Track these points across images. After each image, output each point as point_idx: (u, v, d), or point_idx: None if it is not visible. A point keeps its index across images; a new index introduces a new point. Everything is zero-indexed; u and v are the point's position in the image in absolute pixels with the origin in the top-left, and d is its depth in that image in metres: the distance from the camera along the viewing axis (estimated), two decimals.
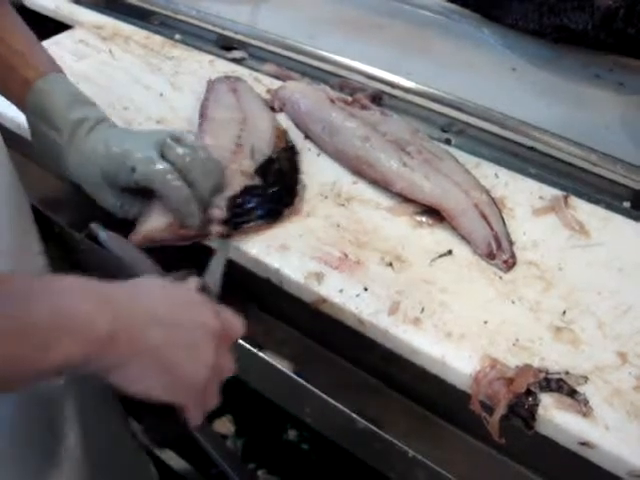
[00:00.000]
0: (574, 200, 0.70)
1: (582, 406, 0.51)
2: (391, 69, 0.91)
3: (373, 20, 1.11)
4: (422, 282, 0.61)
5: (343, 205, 0.69)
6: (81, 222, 0.70)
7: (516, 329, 0.57)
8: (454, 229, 0.66)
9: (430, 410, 0.59)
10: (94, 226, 0.61)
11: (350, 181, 0.72)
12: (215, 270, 0.58)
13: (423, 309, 0.58)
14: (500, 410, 0.51)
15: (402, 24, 1.10)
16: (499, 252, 0.63)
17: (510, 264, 0.63)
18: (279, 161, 0.70)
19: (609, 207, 0.70)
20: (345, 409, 0.58)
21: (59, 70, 0.65)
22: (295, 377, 0.60)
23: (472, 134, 0.84)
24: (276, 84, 0.87)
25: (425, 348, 0.55)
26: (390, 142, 0.72)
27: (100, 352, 0.39)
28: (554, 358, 0.54)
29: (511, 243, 0.64)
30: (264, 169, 0.68)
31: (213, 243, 0.63)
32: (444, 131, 0.85)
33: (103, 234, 0.60)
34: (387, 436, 0.56)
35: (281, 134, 0.76)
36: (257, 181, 0.67)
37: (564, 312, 0.58)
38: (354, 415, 0.57)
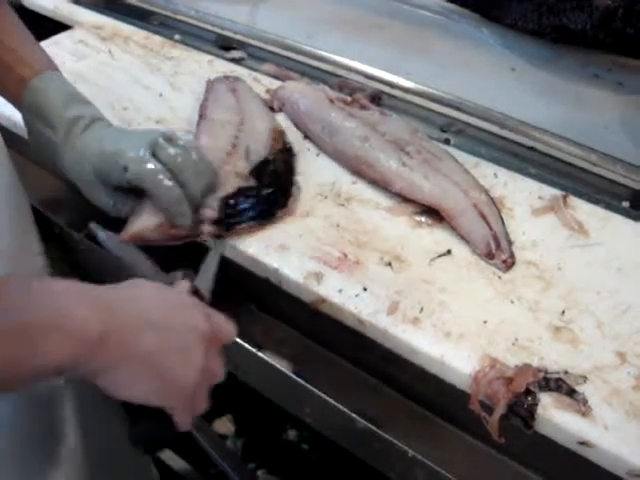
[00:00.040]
0: (573, 200, 0.70)
1: (581, 405, 0.51)
2: (390, 69, 0.91)
3: (372, 20, 1.11)
4: (421, 282, 0.61)
5: (342, 205, 0.69)
6: (80, 222, 0.70)
7: (515, 329, 0.57)
8: (453, 229, 0.66)
9: (430, 410, 0.59)
10: (93, 226, 0.61)
11: (349, 181, 0.72)
12: (208, 271, 0.58)
13: (422, 309, 0.58)
14: (499, 410, 0.51)
15: (401, 24, 1.10)
16: (498, 252, 0.63)
17: (509, 264, 0.63)
18: (275, 162, 0.70)
19: (608, 207, 0.70)
20: (345, 409, 0.58)
21: (55, 68, 0.65)
22: (295, 377, 0.60)
23: (471, 134, 0.84)
24: (275, 84, 0.87)
25: (424, 348, 0.55)
26: (389, 142, 0.72)
27: (89, 355, 0.39)
28: (553, 358, 0.54)
29: (510, 243, 0.65)
30: (259, 170, 0.68)
31: (209, 243, 0.63)
32: (443, 131, 0.85)
33: (102, 234, 0.60)
34: (387, 436, 0.56)
35: (278, 135, 0.75)
36: (252, 182, 0.66)
37: (563, 312, 0.58)
38: (354, 415, 0.57)
